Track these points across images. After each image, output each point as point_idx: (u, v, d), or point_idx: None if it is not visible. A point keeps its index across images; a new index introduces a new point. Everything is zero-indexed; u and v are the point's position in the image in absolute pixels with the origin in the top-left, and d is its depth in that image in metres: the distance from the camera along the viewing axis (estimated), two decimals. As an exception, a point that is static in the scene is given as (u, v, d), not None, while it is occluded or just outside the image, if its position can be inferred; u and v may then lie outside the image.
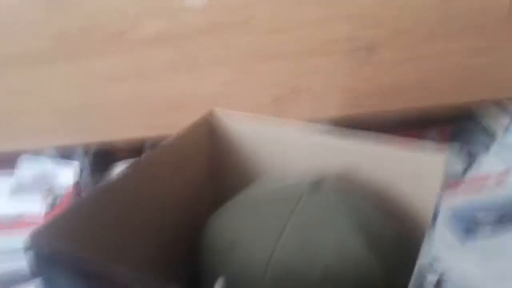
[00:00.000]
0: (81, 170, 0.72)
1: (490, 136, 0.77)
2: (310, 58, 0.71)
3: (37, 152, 0.73)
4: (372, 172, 0.45)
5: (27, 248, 0.32)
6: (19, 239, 0.57)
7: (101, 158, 0.77)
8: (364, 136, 0.45)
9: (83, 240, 0.37)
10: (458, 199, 0.63)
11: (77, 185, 0.70)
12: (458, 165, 0.71)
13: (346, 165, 0.46)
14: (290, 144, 0.49)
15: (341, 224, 0.38)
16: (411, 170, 0.42)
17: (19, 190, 0.67)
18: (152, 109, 0.71)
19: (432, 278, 0.49)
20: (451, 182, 0.67)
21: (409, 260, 0.38)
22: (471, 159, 0.73)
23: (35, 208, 0.63)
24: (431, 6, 0.69)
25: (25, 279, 0.56)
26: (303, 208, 0.39)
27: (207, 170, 0.53)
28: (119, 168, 0.71)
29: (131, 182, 0.41)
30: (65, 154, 0.74)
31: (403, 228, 0.42)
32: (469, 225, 0.59)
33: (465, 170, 0.71)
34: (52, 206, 0.64)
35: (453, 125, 0.81)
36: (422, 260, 0.33)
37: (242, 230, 0.40)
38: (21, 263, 0.57)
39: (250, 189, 0.44)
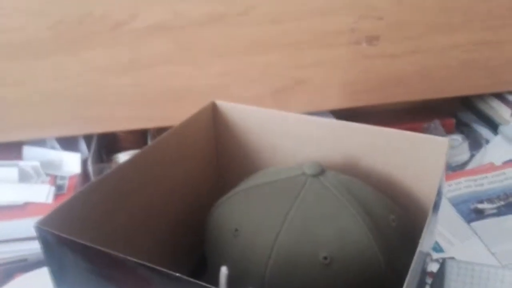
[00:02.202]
0: (85, 160, 0.72)
1: (492, 128, 0.78)
2: (311, 50, 0.71)
3: (40, 142, 0.73)
4: (375, 159, 0.45)
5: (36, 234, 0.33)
6: (26, 226, 0.58)
7: (105, 148, 0.77)
8: (366, 126, 0.45)
9: (90, 227, 0.37)
10: (462, 190, 0.63)
11: (82, 173, 0.70)
12: (461, 156, 0.72)
13: (348, 153, 0.46)
14: (292, 135, 0.49)
15: (344, 212, 0.38)
16: (413, 156, 0.42)
17: (25, 179, 0.67)
18: (152, 101, 0.71)
19: (434, 263, 0.49)
20: (456, 172, 0.67)
21: (411, 247, 0.38)
22: (473, 150, 0.74)
23: (41, 196, 0.63)
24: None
25: (32, 265, 0.57)
26: (306, 196, 0.39)
27: (211, 159, 0.53)
28: (123, 158, 0.71)
29: (136, 169, 0.42)
30: (67, 144, 0.74)
31: (406, 214, 0.42)
32: (473, 211, 0.60)
33: (468, 161, 0.71)
34: (58, 194, 0.64)
35: (455, 117, 0.81)
36: (423, 246, 0.33)
37: (245, 217, 0.40)
38: (28, 250, 0.58)
39: (253, 178, 0.44)
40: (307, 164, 0.41)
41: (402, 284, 0.31)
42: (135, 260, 0.29)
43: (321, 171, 0.41)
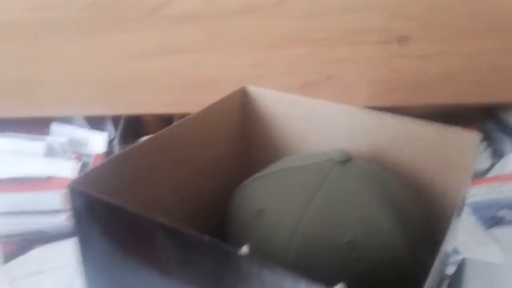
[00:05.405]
0: (111, 139, 0.73)
1: (515, 137, 0.77)
2: (341, 47, 0.71)
3: (67, 120, 0.75)
4: (401, 153, 0.45)
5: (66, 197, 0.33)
6: (48, 199, 0.59)
7: (131, 130, 0.78)
8: (395, 116, 0.45)
9: (116, 194, 0.38)
10: (482, 196, 0.63)
11: (108, 153, 0.71)
12: (482, 163, 0.71)
13: (375, 143, 0.46)
14: (320, 123, 0.49)
15: (369, 199, 0.38)
16: (442, 149, 0.42)
17: (52, 154, 0.68)
18: (180, 87, 0.72)
19: (453, 264, 0.49)
20: (476, 179, 0.67)
21: (433, 241, 0.38)
22: (494, 159, 0.73)
23: (66, 171, 0.64)
24: (458, 3, 0.69)
25: (52, 238, 0.58)
26: (332, 182, 0.39)
27: (237, 144, 0.54)
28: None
29: (160, 147, 0.42)
30: (95, 124, 0.75)
31: (429, 208, 0.42)
32: (493, 218, 0.59)
33: (490, 169, 0.71)
34: (82, 171, 0.65)
35: (479, 124, 0.81)
36: (446, 245, 0.33)
37: (270, 198, 0.40)
38: (48, 223, 0.59)
39: (279, 163, 0.45)
40: (334, 151, 0.42)
41: (422, 275, 0.31)
42: (163, 221, 0.29)
43: (348, 158, 0.41)
